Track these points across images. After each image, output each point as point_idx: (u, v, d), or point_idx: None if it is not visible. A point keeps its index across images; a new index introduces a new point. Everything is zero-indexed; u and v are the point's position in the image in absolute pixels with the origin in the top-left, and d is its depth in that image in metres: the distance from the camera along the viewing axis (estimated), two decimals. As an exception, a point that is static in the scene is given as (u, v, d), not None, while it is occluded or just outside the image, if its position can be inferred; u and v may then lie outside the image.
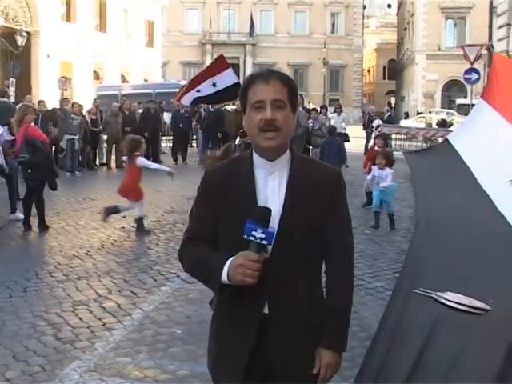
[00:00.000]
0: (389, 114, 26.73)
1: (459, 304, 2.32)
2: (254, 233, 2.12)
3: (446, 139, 3.94)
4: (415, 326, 2.34)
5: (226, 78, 12.77)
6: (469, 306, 2.30)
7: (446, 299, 2.36)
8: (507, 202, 2.81)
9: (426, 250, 2.79)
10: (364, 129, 23.47)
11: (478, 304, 2.30)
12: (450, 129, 23.44)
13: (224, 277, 2.18)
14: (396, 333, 2.32)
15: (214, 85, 12.65)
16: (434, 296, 2.39)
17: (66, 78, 23.27)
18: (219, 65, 13.09)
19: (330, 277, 2.40)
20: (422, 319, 2.35)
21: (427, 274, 2.61)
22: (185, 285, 6.55)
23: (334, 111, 21.10)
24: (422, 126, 30.54)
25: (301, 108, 15.68)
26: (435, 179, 3.62)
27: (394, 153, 22.54)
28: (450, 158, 3.58)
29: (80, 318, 5.59)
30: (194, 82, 13.06)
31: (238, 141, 16.76)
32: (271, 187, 2.30)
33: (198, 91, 12.73)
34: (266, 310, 2.28)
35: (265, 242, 2.14)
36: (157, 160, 18.90)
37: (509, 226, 2.69)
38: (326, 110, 20.19)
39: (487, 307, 2.28)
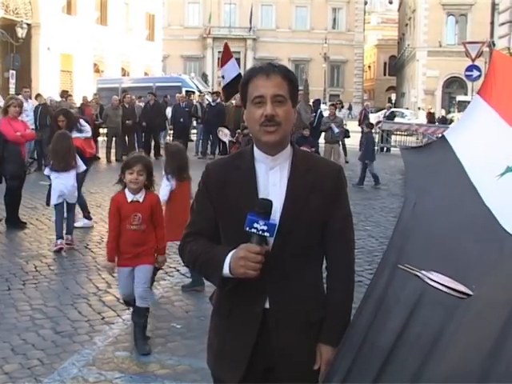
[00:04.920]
0: (391, 110, 26.70)
1: (443, 285, 2.32)
2: (255, 225, 2.12)
3: (443, 135, 3.94)
4: (400, 299, 2.36)
5: (231, 68, 12.93)
6: (452, 289, 2.30)
7: (430, 279, 2.36)
8: (494, 196, 2.82)
9: (411, 228, 2.80)
10: (359, 124, 23.42)
11: (462, 288, 2.30)
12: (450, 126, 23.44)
13: (226, 270, 2.17)
14: (381, 304, 2.34)
15: (223, 77, 12.83)
16: (418, 274, 2.40)
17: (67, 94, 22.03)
18: (225, 54, 13.35)
19: (331, 272, 2.39)
20: (407, 293, 2.37)
21: (412, 250, 2.61)
22: (184, 279, 6.55)
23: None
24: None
25: (304, 104, 15.55)
26: (426, 172, 3.62)
27: (394, 149, 22.70)
28: (444, 153, 3.58)
29: (79, 312, 5.59)
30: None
31: (230, 135, 16.83)
32: (272, 182, 2.29)
33: (223, 77, 13.11)
34: (266, 305, 2.27)
35: (267, 234, 2.13)
36: (158, 154, 18.93)
37: (493, 219, 2.70)
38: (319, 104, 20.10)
39: (470, 292, 2.29)
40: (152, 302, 4.96)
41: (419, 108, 43.61)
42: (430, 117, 28.74)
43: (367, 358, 2.15)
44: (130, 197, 4.82)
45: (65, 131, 8.27)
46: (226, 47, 13.79)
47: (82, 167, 8.19)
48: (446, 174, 3.36)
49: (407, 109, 41.07)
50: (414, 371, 2.03)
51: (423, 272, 2.38)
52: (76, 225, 8.92)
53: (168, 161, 6.07)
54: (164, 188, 5.98)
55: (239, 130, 15.62)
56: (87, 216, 9.28)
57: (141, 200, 4.83)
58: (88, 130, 9.44)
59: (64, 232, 7.87)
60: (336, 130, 14.82)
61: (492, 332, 2.08)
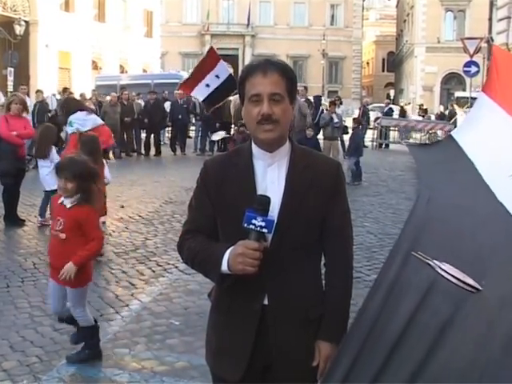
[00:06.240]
0: (390, 106, 26.67)
1: (453, 276, 2.34)
2: (253, 221, 2.12)
3: (450, 135, 3.96)
4: (413, 283, 2.37)
5: (222, 70, 12.83)
6: (461, 281, 2.31)
7: (441, 268, 2.38)
8: (508, 194, 2.83)
9: (426, 220, 2.83)
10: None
11: (471, 281, 2.32)
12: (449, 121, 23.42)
13: (224, 266, 2.17)
14: (392, 290, 2.35)
15: (218, 76, 12.70)
16: (430, 263, 2.41)
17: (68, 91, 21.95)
18: (212, 58, 13.18)
19: (330, 269, 2.39)
20: (419, 279, 2.38)
21: (426, 241, 2.63)
22: (183, 276, 6.55)
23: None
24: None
25: (302, 100, 15.43)
26: (438, 169, 3.65)
27: (393, 145, 22.68)
28: (453, 151, 3.60)
29: (78, 309, 5.57)
30: (198, 75, 13.10)
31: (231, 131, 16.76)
32: (270, 178, 2.29)
33: (208, 85, 12.78)
34: (265, 302, 2.27)
35: (265, 230, 2.13)
36: (158, 151, 18.90)
37: (508, 215, 2.71)
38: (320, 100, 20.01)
39: (478, 287, 2.30)
40: (88, 323, 4.57)
41: (404, 105, 43.69)
42: (402, 111, 28.82)
43: (373, 348, 2.15)
44: (61, 198, 4.36)
45: (49, 124, 9.35)
46: (212, 50, 13.69)
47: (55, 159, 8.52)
48: (457, 173, 3.38)
49: (404, 105, 41.12)
50: (419, 363, 2.03)
51: (435, 262, 2.40)
52: None
53: (81, 148, 6.66)
54: None
55: (236, 127, 15.58)
56: None
57: (68, 206, 4.29)
58: (86, 124, 9.46)
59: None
60: (336, 120, 14.73)
61: (503, 324, 2.08)
